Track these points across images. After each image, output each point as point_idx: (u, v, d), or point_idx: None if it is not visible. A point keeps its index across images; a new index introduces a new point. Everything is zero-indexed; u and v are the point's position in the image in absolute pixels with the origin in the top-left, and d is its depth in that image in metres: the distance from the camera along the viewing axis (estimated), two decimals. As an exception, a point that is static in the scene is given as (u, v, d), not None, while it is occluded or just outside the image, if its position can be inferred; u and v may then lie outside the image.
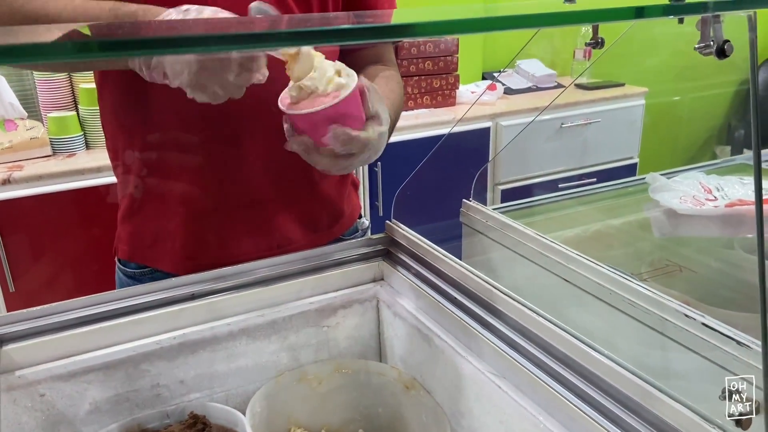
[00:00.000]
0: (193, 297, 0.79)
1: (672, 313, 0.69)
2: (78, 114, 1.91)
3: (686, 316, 0.67)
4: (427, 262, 0.86)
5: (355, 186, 1.07)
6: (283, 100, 0.71)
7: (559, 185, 2.32)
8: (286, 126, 0.73)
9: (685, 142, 3.22)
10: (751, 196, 1.04)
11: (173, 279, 0.80)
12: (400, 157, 2.06)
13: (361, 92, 0.71)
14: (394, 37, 0.69)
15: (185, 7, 0.65)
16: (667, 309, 0.69)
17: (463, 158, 1.99)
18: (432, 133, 2.11)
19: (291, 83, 0.69)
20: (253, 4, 0.67)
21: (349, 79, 0.70)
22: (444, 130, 2.11)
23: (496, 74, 2.64)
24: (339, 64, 0.70)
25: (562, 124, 2.29)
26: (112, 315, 0.75)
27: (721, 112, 3.26)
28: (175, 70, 0.64)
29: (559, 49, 2.80)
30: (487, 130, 2.19)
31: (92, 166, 1.72)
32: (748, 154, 1.62)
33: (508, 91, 2.49)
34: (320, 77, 0.68)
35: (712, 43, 0.44)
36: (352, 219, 1.04)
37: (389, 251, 0.93)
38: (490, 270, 1.00)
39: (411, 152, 2.05)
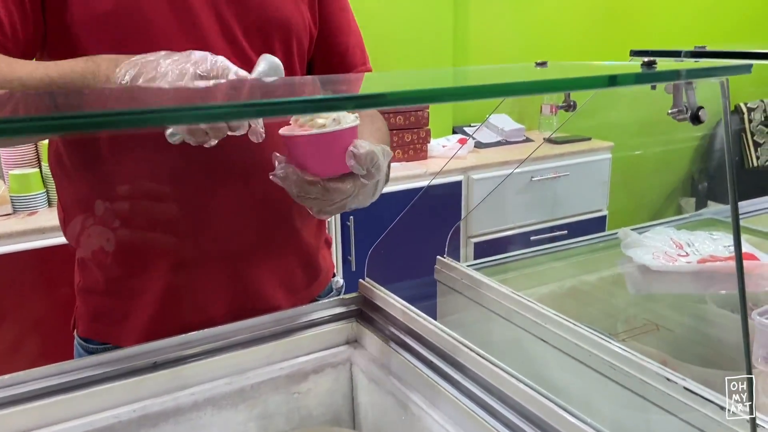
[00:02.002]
0: (155, 366, 0.75)
1: (653, 376, 0.67)
2: (41, 171, 1.86)
3: (668, 379, 0.65)
4: (402, 324, 0.84)
5: (328, 244, 1.04)
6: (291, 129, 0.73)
7: (531, 238, 2.33)
8: (279, 156, 0.72)
9: (651, 195, 3.29)
10: (722, 252, 1.05)
11: (134, 347, 0.76)
12: (372, 211, 2.05)
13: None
14: (365, 107, 0.69)
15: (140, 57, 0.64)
16: (647, 372, 0.68)
17: (435, 212, 1.99)
18: (405, 186, 2.11)
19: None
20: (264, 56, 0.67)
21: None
22: (416, 184, 2.12)
23: (466, 128, 2.68)
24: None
25: (532, 177, 2.32)
26: (67, 388, 0.70)
27: (684, 165, 3.35)
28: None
29: (526, 104, 2.87)
30: (458, 183, 2.21)
31: (54, 224, 1.66)
32: (714, 208, 1.66)
33: (479, 145, 2.53)
34: (342, 116, 0.72)
35: (685, 108, 0.44)
36: (327, 278, 1.02)
37: (363, 311, 0.90)
38: (467, 330, 0.97)
39: (384, 206, 2.03)
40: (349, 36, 0.95)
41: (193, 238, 0.85)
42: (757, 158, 3.25)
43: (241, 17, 0.80)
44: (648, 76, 0.41)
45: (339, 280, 1.05)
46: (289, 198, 0.77)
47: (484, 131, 2.63)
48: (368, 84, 0.58)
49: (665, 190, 3.34)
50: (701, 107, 0.43)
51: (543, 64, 0.49)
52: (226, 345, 0.81)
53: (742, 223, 1.31)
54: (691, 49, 0.63)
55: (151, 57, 0.64)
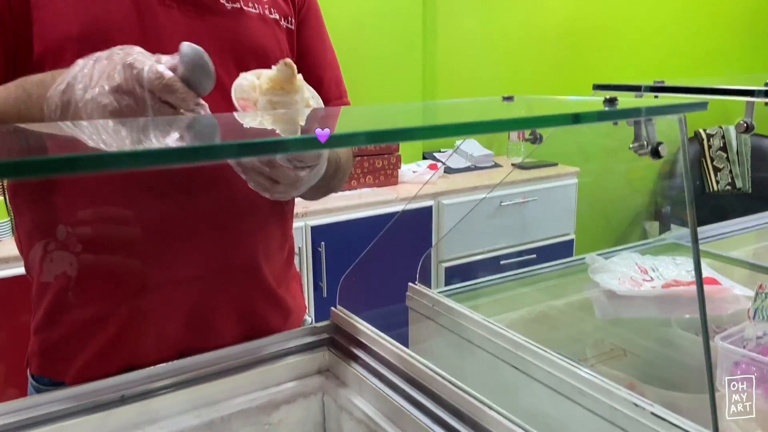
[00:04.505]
0: (122, 399, 0.73)
1: (621, 401, 0.68)
2: (5, 198, 1.81)
3: (635, 405, 0.67)
4: (375, 352, 0.83)
5: (298, 281, 1.02)
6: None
7: (501, 262, 2.35)
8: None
9: (616, 219, 3.36)
10: (684, 276, 1.08)
11: (100, 381, 0.74)
12: (343, 237, 2.05)
13: None
14: (333, 147, 0.69)
15: (95, 55, 0.61)
16: (615, 397, 0.69)
17: (406, 238, 2.01)
18: (375, 212, 2.12)
19: (261, 95, 0.67)
20: (184, 44, 0.61)
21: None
22: (387, 209, 2.13)
23: (436, 153, 2.71)
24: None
25: (501, 202, 2.36)
26: (28, 424, 0.68)
27: (647, 189, 3.44)
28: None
29: (495, 130, 2.91)
30: (429, 208, 2.23)
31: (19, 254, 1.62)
32: (676, 233, 1.71)
33: (448, 170, 2.56)
34: (309, 94, 0.68)
35: (645, 143, 0.46)
36: (300, 318, 0.99)
37: (335, 340, 0.90)
38: (439, 357, 0.98)
39: (355, 232, 2.05)
40: (325, 69, 0.94)
41: (155, 277, 0.82)
42: (717, 183, 3.36)
43: (215, 43, 0.79)
44: (610, 113, 0.43)
45: (307, 318, 1.02)
46: (255, 235, 0.77)
47: (453, 157, 2.67)
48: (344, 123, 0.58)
49: (630, 213, 3.42)
50: (661, 143, 0.45)
51: (510, 98, 0.51)
52: (195, 377, 0.79)
53: (703, 247, 1.35)
54: (651, 83, 0.66)
55: (70, 78, 0.60)
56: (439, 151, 2.75)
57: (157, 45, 0.73)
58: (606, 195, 3.07)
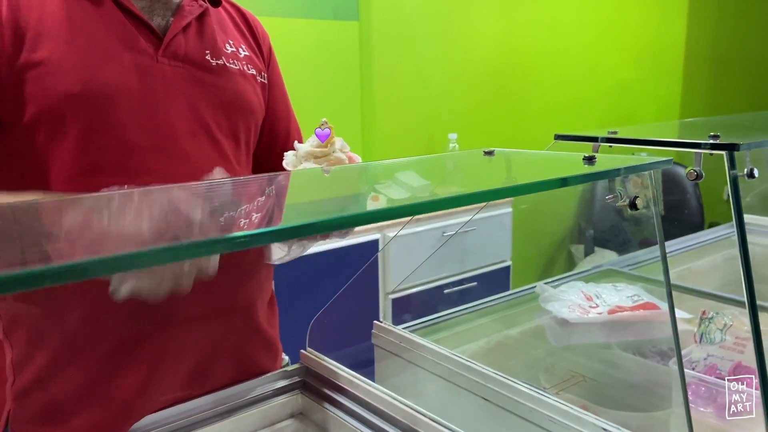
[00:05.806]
0: (98, 459, 0.71)
1: (590, 426, 0.73)
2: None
3: (604, 429, 0.72)
4: (350, 393, 0.85)
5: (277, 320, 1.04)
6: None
7: (444, 291, 2.41)
8: None
9: (546, 244, 3.52)
10: (626, 302, 1.16)
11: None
12: (290, 274, 2.04)
13: None
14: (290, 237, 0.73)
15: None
16: (585, 423, 0.74)
17: (354, 273, 2.02)
18: (321, 248, 2.13)
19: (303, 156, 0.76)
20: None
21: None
22: (332, 245, 2.14)
23: (376, 185, 2.75)
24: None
25: (444, 232, 2.42)
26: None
27: (571, 215, 3.63)
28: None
29: (432, 160, 3.00)
30: (375, 241, 2.26)
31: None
32: (604, 257, 1.83)
33: (390, 202, 2.61)
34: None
35: (620, 195, 0.52)
36: (281, 356, 1.01)
37: (306, 382, 0.90)
38: (411, 393, 1.00)
39: (300, 268, 2.04)
40: (290, 121, 0.99)
41: (154, 333, 0.82)
42: (634, 206, 3.59)
43: (207, 97, 0.82)
44: (594, 175, 0.48)
45: (284, 357, 1.05)
46: (250, 279, 0.82)
47: (393, 188, 2.72)
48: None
49: (557, 238, 3.59)
50: (637, 196, 0.51)
51: (491, 152, 0.55)
52: (169, 430, 0.78)
53: (635, 272, 1.45)
54: (605, 134, 0.73)
55: None
56: (379, 183, 2.79)
57: (154, 101, 0.75)
58: (537, 221, 3.21)
